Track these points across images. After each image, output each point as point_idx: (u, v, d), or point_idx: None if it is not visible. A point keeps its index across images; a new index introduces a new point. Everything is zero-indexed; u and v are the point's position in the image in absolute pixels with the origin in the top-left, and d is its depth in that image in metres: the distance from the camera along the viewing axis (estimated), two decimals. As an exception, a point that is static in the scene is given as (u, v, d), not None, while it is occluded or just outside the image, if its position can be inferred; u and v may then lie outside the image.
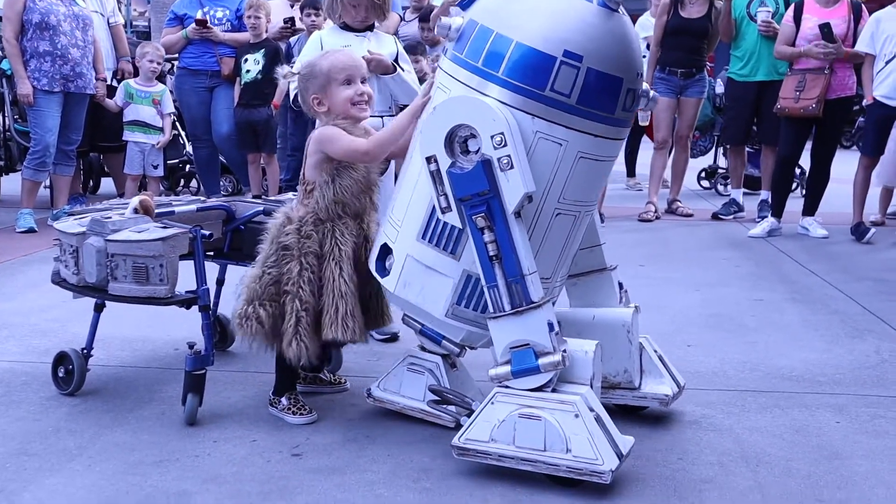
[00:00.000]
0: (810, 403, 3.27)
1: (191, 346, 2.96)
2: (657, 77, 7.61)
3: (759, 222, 7.01)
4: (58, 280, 3.26)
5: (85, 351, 3.25)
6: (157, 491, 2.51)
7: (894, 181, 7.36)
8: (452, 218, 2.60)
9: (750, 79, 7.37)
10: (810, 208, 6.94)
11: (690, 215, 7.73)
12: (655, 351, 3.09)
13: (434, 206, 2.64)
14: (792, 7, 6.86)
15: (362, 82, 3.00)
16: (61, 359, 3.26)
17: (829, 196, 7.01)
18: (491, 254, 2.54)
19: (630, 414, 3.07)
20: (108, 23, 7.45)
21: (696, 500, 2.50)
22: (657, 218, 7.55)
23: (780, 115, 6.73)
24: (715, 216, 7.66)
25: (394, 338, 3.90)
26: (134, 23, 10.70)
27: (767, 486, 2.60)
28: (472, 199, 2.53)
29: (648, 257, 5.92)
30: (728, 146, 7.90)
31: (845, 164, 7.63)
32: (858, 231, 6.71)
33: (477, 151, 2.53)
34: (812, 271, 5.56)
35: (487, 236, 2.53)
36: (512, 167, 2.48)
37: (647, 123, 7.97)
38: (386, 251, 2.88)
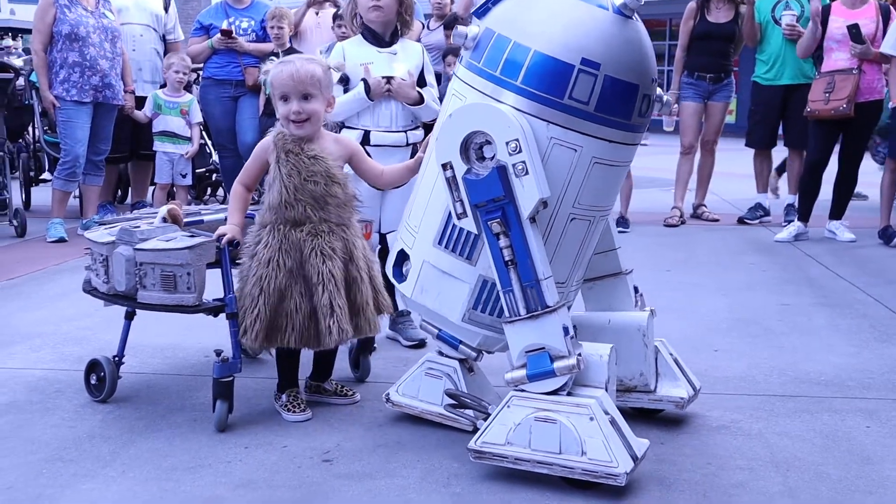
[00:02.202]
0: (840, 408, 3.26)
1: (218, 354, 3.00)
2: (685, 82, 7.59)
3: (785, 226, 6.98)
4: (89, 289, 3.30)
5: (116, 358, 3.29)
6: (191, 497, 2.53)
7: None
8: (468, 223, 2.64)
9: (775, 83, 7.35)
10: (837, 212, 6.88)
11: (716, 220, 7.69)
12: (671, 354, 3.10)
13: (450, 212, 2.68)
14: (820, 9, 6.82)
15: (304, 98, 2.99)
16: (93, 366, 3.30)
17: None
18: (506, 259, 2.57)
19: (646, 417, 3.08)
20: (165, 39, 7.54)
21: (727, 505, 2.50)
22: (682, 223, 7.53)
23: (810, 118, 6.67)
24: (741, 221, 7.63)
25: (422, 344, 3.91)
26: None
27: (798, 490, 2.59)
28: (487, 204, 2.56)
29: (674, 262, 5.91)
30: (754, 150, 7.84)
31: (873, 166, 7.58)
32: (886, 234, 6.65)
33: (492, 158, 2.57)
34: (839, 275, 5.53)
35: (503, 241, 2.56)
36: (527, 173, 2.51)
37: (671, 129, 7.96)
38: (403, 257, 2.92)
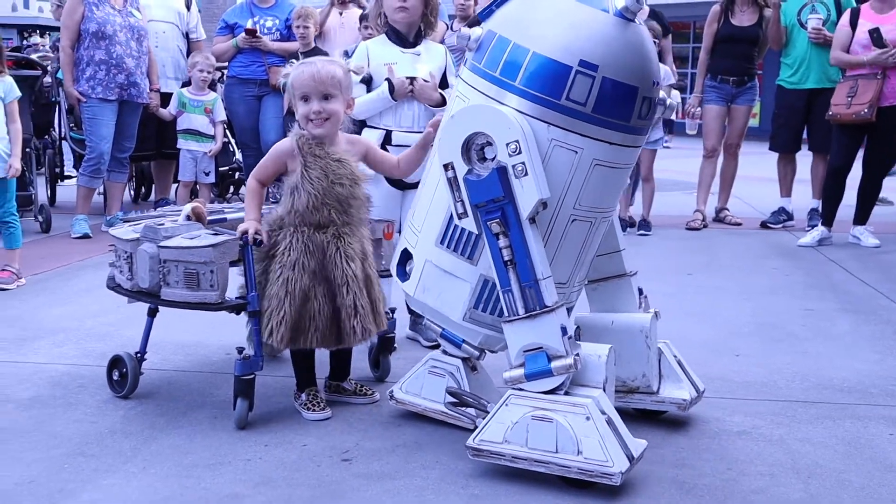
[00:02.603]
0: (863, 415, 3.22)
1: (240, 352, 3.00)
2: (708, 85, 7.55)
3: (809, 231, 6.92)
4: (113, 285, 3.32)
5: (139, 355, 3.31)
6: (210, 493, 2.54)
7: None
8: (469, 223, 2.66)
9: (800, 86, 7.29)
10: (862, 217, 6.81)
11: (739, 224, 7.64)
12: (675, 356, 3.11)
13: (452, 213, 2.70)
14: (848, 12, 6.75)
15: (325, 98, 3.02)
16: (116, 362, 3.32)
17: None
18: (506, 259, 2.59)
19: (649, 419, 3.08)
20: (189, 37, 7.56)
21: (747, 511, 2.48)
22: (705, 226, 7.49)
23: (832, 122, 6.61)
24: (764, 225, 7.57)
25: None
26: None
27: (820, 497, 2.57)
28: (487, 205, 2.59)
29: (697, 266, 5.87)
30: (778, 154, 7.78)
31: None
32: (911, 240, 6.59)
33: (493, 159, 2.59)
34: (863, 281, 5.48)
35: (502, 241, 2.58)
36: (526, 174, 2.53)
37: (694, 132, 7.92)
38: (406, 256, 2.95)
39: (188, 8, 7.61)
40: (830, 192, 6.79)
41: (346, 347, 3.13)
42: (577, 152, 2.59)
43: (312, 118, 3.02)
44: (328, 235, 3.00)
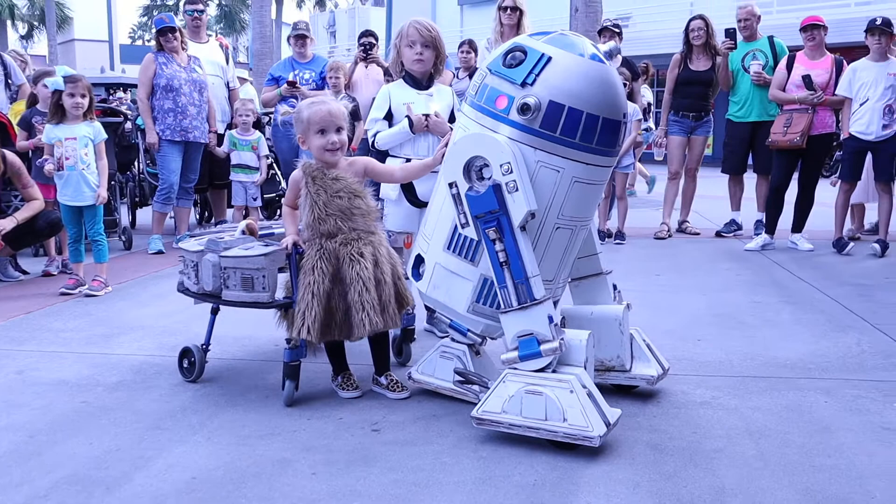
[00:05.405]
0: (803, 386, 3.20)
1: (288, 342, 2.99)
2: (671, 119, 7.54)
3: (754, 238, 6.88)
4: (182, 289, 3.32)
5: (204, 346, 3.30)
6: (264, 458, 2.53)
7: (863, 199, 7.20)
8: (470, 231, 2.67)
9: (745, 119, 7.28)
10: (798, 226, 6.78)
11: (697, 234, 7.59)
12: (644, 340, 3.09)
13: (456, 223, 2.70)
14: (786, 58, 6.81)
15: (337, 131, 2.99)
16: (185, 353, 3.32)
17: (814, 216, 6.86)
18: (501, 260, 2.59)
19: (624, 392, 3.06)
20: (228, 87, 7.58)
21: (709, 467, 2.45)
22: (669, 236, 7.45)
23: (770, 147, 6.62)
24: (718, 234, 7.53)
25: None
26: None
27: (769, 454, 2.54)
28: (485, 216, 2.59)
29: (663, 268, 5.84)
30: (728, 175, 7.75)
31: (826, 190, 7.45)
32: (839, 245, 6.55)
33: (489, 178, 2.59)
34: (801, 278, 5.44)
35: (498, 246, 2.58)
36: (517, 190, 2.53)
37: (661, 158, 7.91)
38: (419, 260, 2.95)
39: (227, 62, 7.63)
40: (771, 206, 6.77)
41: (374, 339, 3.08)
42: (559, 171, 2.59)
43: (329, 148, 2.98)
44: (337, 243, 2.94)
